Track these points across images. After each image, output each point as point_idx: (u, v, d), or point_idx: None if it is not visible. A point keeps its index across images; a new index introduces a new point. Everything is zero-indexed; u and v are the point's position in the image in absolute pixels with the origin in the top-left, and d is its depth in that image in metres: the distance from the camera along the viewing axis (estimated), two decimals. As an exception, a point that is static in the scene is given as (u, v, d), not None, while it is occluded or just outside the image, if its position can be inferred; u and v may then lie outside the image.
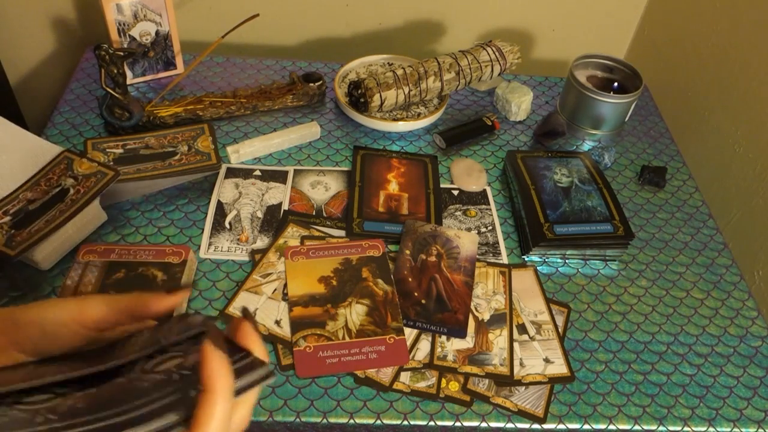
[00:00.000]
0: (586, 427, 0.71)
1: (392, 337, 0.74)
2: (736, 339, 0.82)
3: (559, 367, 0.75)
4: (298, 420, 0.68)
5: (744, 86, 1.07)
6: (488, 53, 1.05)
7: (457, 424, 0.70)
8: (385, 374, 0.73)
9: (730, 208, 1.10)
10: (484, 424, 0.70)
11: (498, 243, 0.89)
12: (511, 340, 0.77)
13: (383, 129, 1.05)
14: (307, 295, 0.78)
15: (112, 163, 0.91)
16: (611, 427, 0.72)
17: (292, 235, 0.86)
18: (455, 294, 0.80)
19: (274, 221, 0.88)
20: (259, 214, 0.89)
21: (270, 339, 0.74)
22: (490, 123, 1.07)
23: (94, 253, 0.77)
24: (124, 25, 1.01)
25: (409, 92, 1.01)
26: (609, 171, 1.04)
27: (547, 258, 0.89)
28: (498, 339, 0.77)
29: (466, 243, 0.87)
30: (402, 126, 1.04)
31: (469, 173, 0.98)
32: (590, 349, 0.79)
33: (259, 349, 0.37)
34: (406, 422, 0.69)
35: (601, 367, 0.77)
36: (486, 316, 0.79)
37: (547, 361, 0.76)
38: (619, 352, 0.79)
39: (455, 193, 0.97)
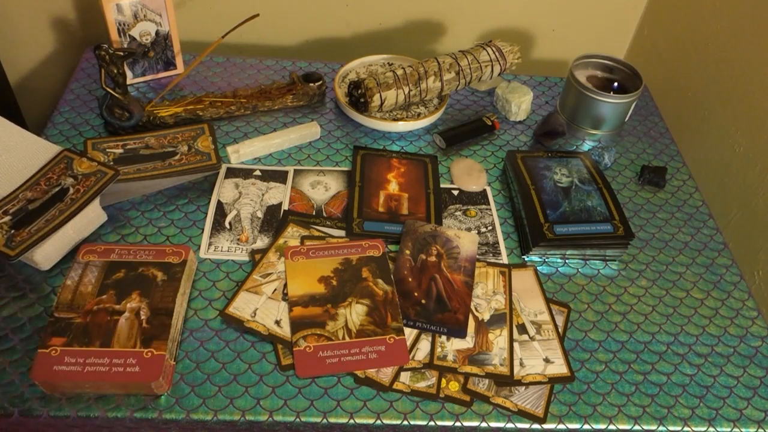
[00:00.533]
0: (586, 427, 0.71)
1: (392, 337, 0.74)
2: (736, 339, 0.82)
3: (559, 367, 0.75)
4: (298, 420, 0.68)
5: (744, 86, 1.07)
6: (488, 53, 1.05)
7: (457, 424, 0.70)
8: (385, 374, 0.73)
9: (730, 208, 1.10)
10: (484, 424, 0.70)
11: (498, 243, 0.89)
12: (511, 340, 0.77)
13: (383, 129, 1.05)
14: (307, 295, 0.78)
15: (112, 163, 0.91)
16: (611, 427, 0.72)
17: (292, 235, 0.86)
18: (455, 294, 0.80)
19: (274, 221, 0.88)
20: (259, 214, 0.89)
21: (270, 339, 0.74)
22: (490, 123, 1.07)
23: (94, 253, 0.77)
24: (124, 25, 1.01)
25: (409, 92, 1.01)
26: (609, 171, 1.04)
27: (547, 258, 0.89)
28: (498, 339, 0.77)
29: (466, 243, 0.87)
30: (402, 126, 1.04)
31: (469, 173, 0.99)
32: (590, 349, 0.79)
33: None
34: (406, 422, 0.69)
35: (601, 367, 0.77)
36: (486, 316, 0.79)
37: (547, 361, 0.76)
38: (619, 352, 0.79)
39: (455, 193, 0.97)
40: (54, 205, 0.79)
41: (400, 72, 1.02)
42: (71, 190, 0.81)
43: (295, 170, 0.97)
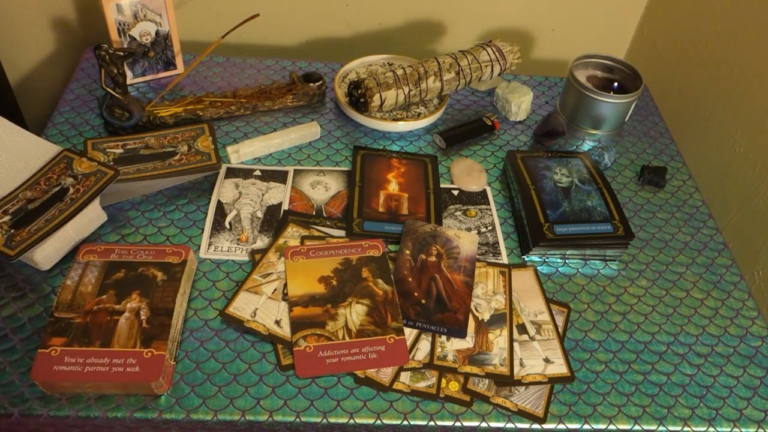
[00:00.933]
0: (586, 427, 0.71)
1: (392, 337, 0.74)
2: (736, 339, 0.82)
3: (559, 367, 0.75)
4: (298, 420, 0.68)
5: (744, 86, 1.07)
6: (488, 53, 1.05)
7: (457, 424, 0.70)
8: (385, 374, 0.73)
9: (730, 208, 1.10)
10: (484, 424, 0.70)
11: (498, 243, 0.89)
12: (511, 340, 0.77)
13: (383, 129, 1.05)
14: (307, 295, 0.78)
15: (112, 163, 0.91)
16: (611, 427, 0.72)
17: (292, 235, 0.86)
18: (455, 294, 0.80)
19: (274, 221, 0.88)
20: (259, 214, 0.89)
21: (270, 339, 0.74)
22: (490, 123, 1.07)
23: (94, 253, 0.77)
24: (124, 25, 1.01)
25: (409, 92, 1.01)
26: (609, 171, 1.04)
27: (547, 258, 0.89)
28: (498, 339, 0.77)
29: (466, 243, 0.87)
30: (402, 126, 1.04)
31: (469, 173, 0.99)
32: (590, 349, 0.79)
33: None
34: (406, 422, 0.69)
35: (601, 367, 0.77)
36: (486, 316, 0.79)
37: (547, 361, 0.76)
38: (619, 352, 0.79)
39: (455, 193, 0.97)
40: (54, 205, 0.79)
41: (400, 72, 1.02)
42: (71, 190, 0.81)
43: (295, 170, 0.97)
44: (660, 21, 1.30)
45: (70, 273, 0.75)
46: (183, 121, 1.00)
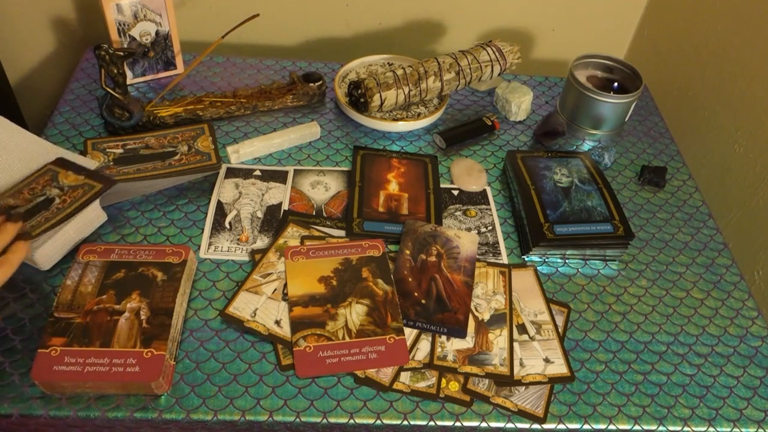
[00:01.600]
0: (586, 427, 0.71)
1: (392, 337, 0.74)
2: (736, 339, 0.82)
3: (559, 367, 0.75)
4: (298, 420, 0.68)
5: (744, 86, 1.07)
6: (488, 53, 1.05)
7: (457, 424, 0.70)
8: (385, 374, 0.73)
9: (730, 208, 1.10)
10: (484, 424, 0.70)
11: (498, 243, 0.89)
12: (511, 340, 0.77)
13: (383, 129, 1.05)
14: (307, 295, 0.78)
15: (112, 163, 0.91)
16: (611, 427, 0.72)
17: (292, 235, 0.86)
18: (455, 294, 0.80)
19: (274, 221, 0.88)
20: (259, 214, 0.89)
21: (270, 339, 0.74)
22: (490, 123, 1.07)
23: (94, 253, 0.77)
24: (124, 25, 1.01)
25: (409, 92, 1.01)
26: (609, 171, 1.04)
27: (547, 258, 0.89)
28: (498, 339, 0.77)
29: (466, 243, 0.87)
30: (402, 126, 1.04)
31: (469, 173, 0.99)
32: (590, 349, 0.79)
33: None
34: (406, 422, 0.69)
35: (601, 367, 0.77)
36: (486, 316, 0.79)
37: (547, 361, 0.76)
38: (619, 352, 0.79)
39: (455, 193, 0.97)
40: (39, 213, 0.77)
41: (400, 72, 1.02)
42: (57, 200, 0.79)
43: (295, 170, 0.97)
44: (660, 21, 1.30)
45: (70, 273, 0.75)
46: (183, 121, 1.00)
